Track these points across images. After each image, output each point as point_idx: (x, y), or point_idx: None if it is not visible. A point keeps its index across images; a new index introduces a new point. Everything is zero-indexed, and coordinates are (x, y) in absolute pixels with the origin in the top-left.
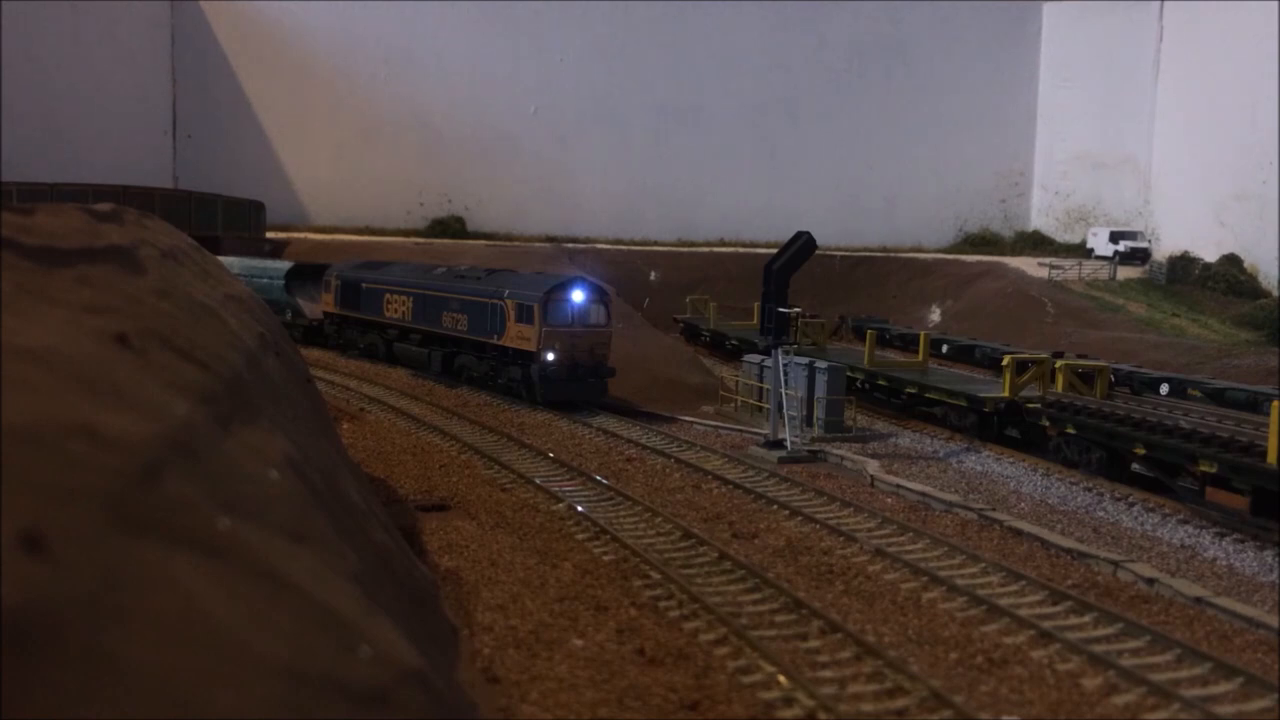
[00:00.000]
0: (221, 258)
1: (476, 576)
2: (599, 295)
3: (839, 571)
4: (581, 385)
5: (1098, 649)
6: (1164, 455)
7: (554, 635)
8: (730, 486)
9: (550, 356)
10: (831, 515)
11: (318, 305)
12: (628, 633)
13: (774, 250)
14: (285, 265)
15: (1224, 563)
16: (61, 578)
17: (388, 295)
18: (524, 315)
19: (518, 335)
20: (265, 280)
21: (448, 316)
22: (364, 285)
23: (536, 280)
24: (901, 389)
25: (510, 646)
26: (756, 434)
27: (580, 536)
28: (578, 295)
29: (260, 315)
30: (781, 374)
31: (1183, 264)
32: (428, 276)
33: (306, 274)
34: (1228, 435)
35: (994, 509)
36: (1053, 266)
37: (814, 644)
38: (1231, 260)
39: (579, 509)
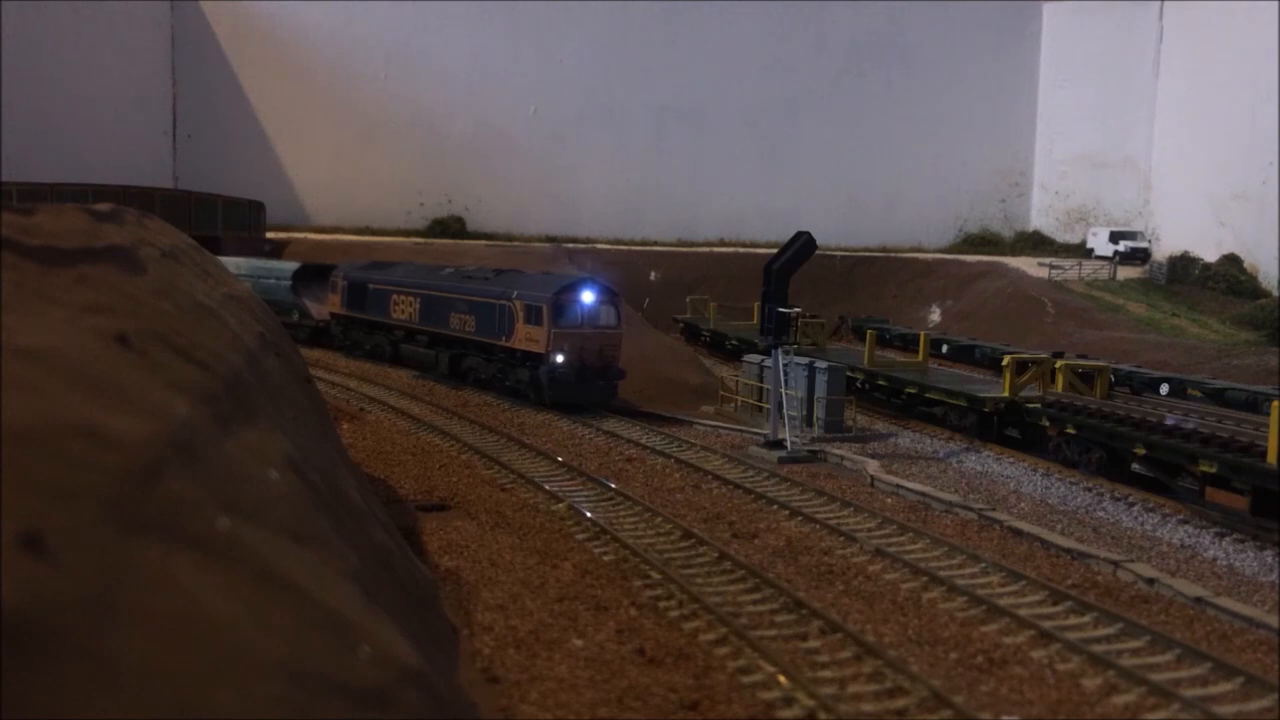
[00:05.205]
0: (228, 258)
1: (476, 576)
2: (608, 296)
3: (839, 571)
4: (590, 387)
5: (1098, 649)
6: (1164, 455)
7: (554, 635)
8: (730, 486)
9: (559, 358)
10: (831, 515)
11: (324, 306)
12: (628, 633)
13: (774, 250)
14: (292, 266)
15: (1224, 563)
16: (61, 578)
17: (394, 296)
18: (532, 316)
19: (526, 337)
20: (272, 281)
21: (455, 318)
22: (371, 286)
23: (545, 281)
24: (901, 389)
25: (510, 646)
26: (756, 434)
27: (580, 536)
28: (587, 296)
29: (260, 315)
30: (781, 374)
31: (1183, 264)
32: (435, 277)
33: (313, 274)
34: (1228, 435)
35: (994, 509)
36: (1053, 266)
37: (814, 644)
38: (1231, 260)
39: (579, 509)
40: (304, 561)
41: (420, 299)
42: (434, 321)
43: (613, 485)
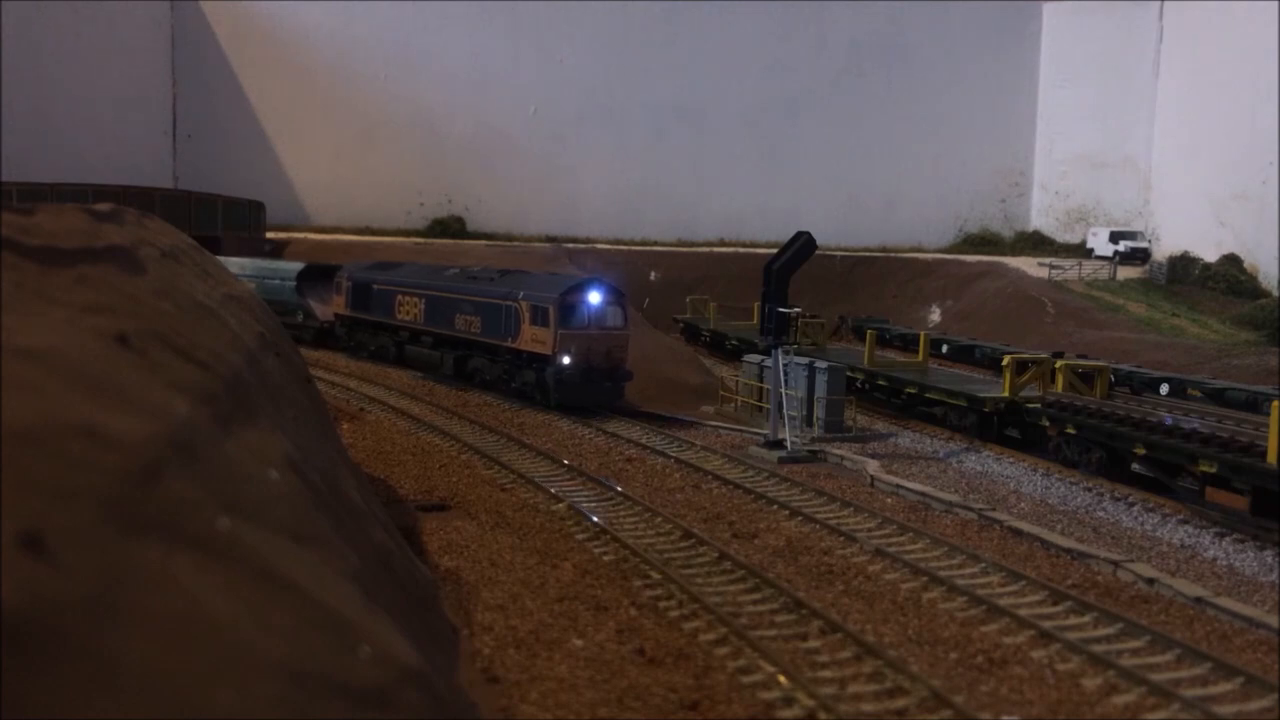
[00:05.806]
0: (233, 259)
1: (476, 576)
2: (615, 297)
3: (839, 571)
4: (597, 389)
5: (1098, 649)
6: (1164, 455)
7: (554, 635)
8: (730, 486)
9: (566, 360)
10: (831, 515)
11: (329, 307)
12: (628, 633)
13: (774, 250)
14: (296, 266)
15: (1224, 563)
16: (61, 578)
17: (399, 297)
18: (539, 317)
19: (532, 338)
20: (276, 281)
21: (460, 319)
22: (375, 286)
23: (551, 281)
24: (901, 389)
25: (510, 646)
26: (756, 434)
27: (580, 536)
28: (594, 297)
29: (260, 315)
30: (781, 374)
31: (1183, 264)
32: (440, 278)
33: (317, 275)
34: (1228, 435)
35: (994, 509)
36: (1053, 266)
37: (814, 644)
38: (1231, 260)
39: (579, 509)
40: (304, 561)
41: (425, 300)
42: (439, 323)
43: (618, 488)
